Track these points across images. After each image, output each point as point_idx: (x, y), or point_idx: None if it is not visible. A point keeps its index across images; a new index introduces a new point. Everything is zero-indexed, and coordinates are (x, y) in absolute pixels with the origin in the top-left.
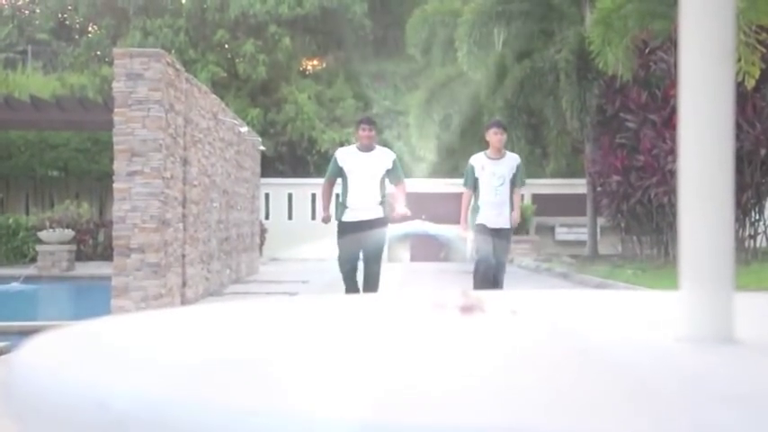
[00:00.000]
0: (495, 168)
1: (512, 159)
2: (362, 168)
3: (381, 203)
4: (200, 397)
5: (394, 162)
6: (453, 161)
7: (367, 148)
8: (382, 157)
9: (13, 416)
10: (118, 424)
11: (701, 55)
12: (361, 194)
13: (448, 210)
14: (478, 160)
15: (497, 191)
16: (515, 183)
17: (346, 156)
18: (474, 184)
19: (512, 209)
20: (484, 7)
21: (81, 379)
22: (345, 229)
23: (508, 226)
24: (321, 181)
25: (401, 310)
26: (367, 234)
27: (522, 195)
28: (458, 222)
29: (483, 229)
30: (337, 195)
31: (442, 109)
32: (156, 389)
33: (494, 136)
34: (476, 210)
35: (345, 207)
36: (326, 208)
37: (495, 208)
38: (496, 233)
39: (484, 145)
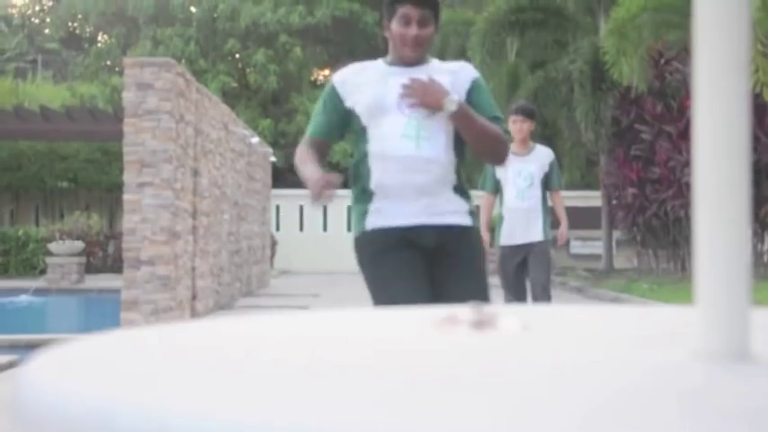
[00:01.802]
0: (521, 166)
1: (543, 155)
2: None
3: (466, 198)
4: (205, 412)
5: (479, 86)
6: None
7: (415, 59)
8: (453, 80)
9: (19, 430)
10: None
11: (716, 65)
12: (411, 164)
13: None
14: None
15: (525, 194)
16: (550, 183)
17: (360, 79)
18: (495, 188)
19: (545, 217)
20: (497, 17)
21: (87, 394)
22: (370, 251)
23: (541, 238)
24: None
25: (411, 324)
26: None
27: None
28: None
29: (508, 254)
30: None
31: None
32: (164, 405)
33: (512, 125)
34: (499, 221)
35: (370, 202)
36: (316, 171)
37: (522, 217)
38: (528, 251)
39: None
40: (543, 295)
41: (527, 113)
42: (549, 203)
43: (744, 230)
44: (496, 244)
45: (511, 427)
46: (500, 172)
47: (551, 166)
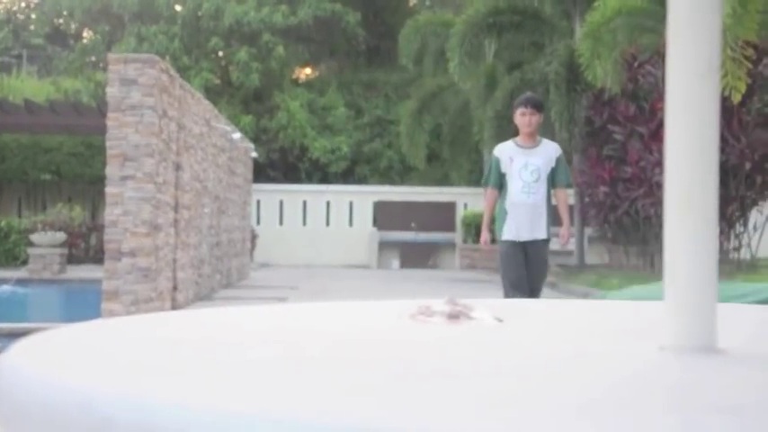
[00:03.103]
0: (527, 159)
1: (549, 148)
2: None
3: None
4: (184, 400)
5: (561, 159)
6: (443, 170)
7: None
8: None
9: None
10: (102, 427)
11: (688, 69)
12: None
13: (437, 218)
14: (505, 150)
15: (530, 188)
16: (555, 180)
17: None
18: (499, 182)
19: (549, 215)
20: (475, 19)
21: (66, 382)
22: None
23: (544, 236)
24: (313, 188)
25: (388, 316)
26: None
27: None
28: (446, 230)
29: (511, 249)
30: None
31: (433, 118)
32: (141, 392)
33: (521, 117)
34: (501, 216)
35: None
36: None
37: (527, 212)
38: (530, 249)
39: (474, 155)
40: (533, 297)
41: (537, 106)
42: (554, 202)
43: (711, 228)
44: (498, 239)
45: (499, 417)
46: (505, 166)
47: (558, 161)
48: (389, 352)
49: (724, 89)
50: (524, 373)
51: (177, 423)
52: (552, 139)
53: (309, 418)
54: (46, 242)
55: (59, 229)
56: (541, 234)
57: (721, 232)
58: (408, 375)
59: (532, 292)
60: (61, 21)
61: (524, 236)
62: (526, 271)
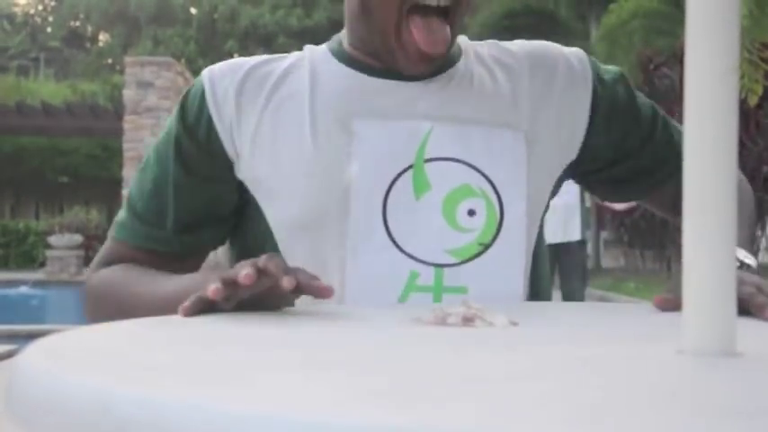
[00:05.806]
0: None
1: None
2: None
3: None
4: (201, 401)
5: None
6: None
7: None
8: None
9: (16, 419)
10: (119, 428)
11: (706, 71)
12: None
13: None
14: None
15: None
16: None
17: None
18: None
19: (583, 215)
20: (491, 21)
21: (84, 382)
22: None
23: (578, 237)
24: None
25: (403, 320)
26: None
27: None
28: None
29: None
30: None
31: None
32: (158, 393)
33: None
34: None
35: None
36: None
37: (559, 213)
38: (563, 252)
39: None
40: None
41: None
42: (587, 204)
43: (730, 232)
44: None
45: (514, 421)
46: None
47: None
48: (404, 355)
49: (740, 92)
50: (540, 377)
51: (195, 424)
52: None
53: (326, 418)
54: (63, 244)
55: (76, 232)
56: (575, 235)
57: None
58: (423, 378)
59: (566, 296)
60: (78, 23)
61: (557, 237)
62: (560, 278)
